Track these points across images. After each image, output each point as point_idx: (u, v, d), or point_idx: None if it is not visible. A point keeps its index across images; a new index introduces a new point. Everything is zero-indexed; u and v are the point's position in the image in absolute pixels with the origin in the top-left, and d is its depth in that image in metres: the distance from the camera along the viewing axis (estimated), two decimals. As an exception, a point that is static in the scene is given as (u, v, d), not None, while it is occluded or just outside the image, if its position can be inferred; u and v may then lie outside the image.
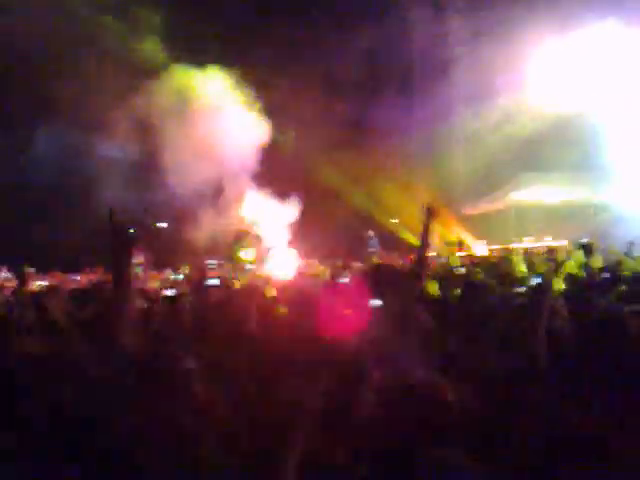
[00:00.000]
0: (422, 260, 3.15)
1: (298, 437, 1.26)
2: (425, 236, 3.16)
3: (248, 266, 6.04)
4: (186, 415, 2.06)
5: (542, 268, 5.78)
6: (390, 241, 13.42)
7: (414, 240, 12.68)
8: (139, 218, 11.66)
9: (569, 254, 6.62)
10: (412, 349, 2.56)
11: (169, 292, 6.28)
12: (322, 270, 5.89)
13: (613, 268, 5.15)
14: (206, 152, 14.07)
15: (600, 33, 14.76)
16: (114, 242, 2.35)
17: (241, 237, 12.13)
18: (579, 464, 1.61)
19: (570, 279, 4.81)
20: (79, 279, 9.50)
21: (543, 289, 2.43)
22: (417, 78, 16.38)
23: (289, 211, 15.00)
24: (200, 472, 1.82)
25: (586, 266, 4.82)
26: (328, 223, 13.73)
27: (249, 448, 1.90)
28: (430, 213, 3.19)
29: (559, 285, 4.61)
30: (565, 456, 1.64)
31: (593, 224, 13.29)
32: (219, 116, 14.68)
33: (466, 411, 1.88)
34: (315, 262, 10.65)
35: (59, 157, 13.36)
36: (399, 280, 3.86)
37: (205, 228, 14.24)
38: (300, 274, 7.36)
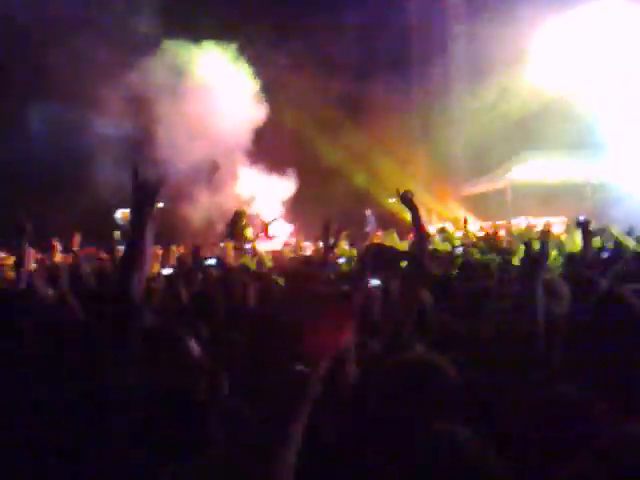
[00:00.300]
0: (421, 241, 3.13)
1: (300, 413, 1.24)
2: (416, 219, 3.12)
3: (247, 245, 6.00)
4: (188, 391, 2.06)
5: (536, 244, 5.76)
6: (389, 220, 13.36)
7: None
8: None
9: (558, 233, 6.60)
10: (411, 327, 2.56)
11: (165, 271, 6.25)
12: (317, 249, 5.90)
13: (613, 247, 5.14)
14: (201, 129, 13.94)
15: (600, 9, 14.58)
16: (135, 199, 2.31)
17: (239, 216, 12.06)
18: (575, 448, 1.61)
19: (569, 258, 4.81)
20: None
21: (535, 259, 2.40)
22: (416, 55, 16.20)
23: (285, 188, 14.94)
24: (204, 445, 1.83)
25: (584, 245, 4.79)
26: (325, 202, 13.68)
27: (252, 423, 1.88)
28: (404, 200, 3.14)
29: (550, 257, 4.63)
30: (562, 437, 1.64)
31: (591, 204, 13.29)
32: (214, 92, 14.52)
33: (465, 388, 1.88)
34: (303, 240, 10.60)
35: (51, 134, 13.20)
36: (398, 259, 3.85)
37: (202, 207, 14.19)
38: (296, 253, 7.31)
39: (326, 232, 3.24)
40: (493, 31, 13.98)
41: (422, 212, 3.18)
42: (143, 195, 2.32)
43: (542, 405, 1.70)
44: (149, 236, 2.30)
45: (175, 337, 2.32)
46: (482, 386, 2.00)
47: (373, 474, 1.67)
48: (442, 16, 16.45)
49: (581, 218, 4.97)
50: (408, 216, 3.11)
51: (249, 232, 12.31)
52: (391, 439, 1.72)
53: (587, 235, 4.75)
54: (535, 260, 2.41)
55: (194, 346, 2.32)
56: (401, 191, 3.13)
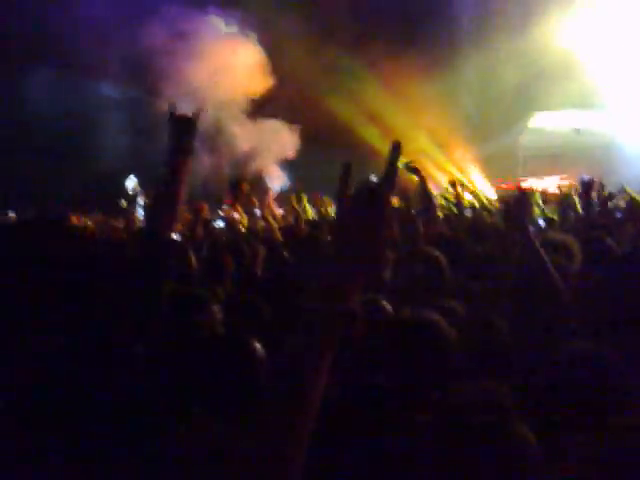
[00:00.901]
0: (429, 207, 3.15)
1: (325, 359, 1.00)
2: (423, 186, 3.13)
3: (257, 210, 5.95)
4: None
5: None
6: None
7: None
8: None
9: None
10: (423, 286, 2.56)
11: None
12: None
13: (626, 207, 5.08)
14: (204, 90, 13.71)
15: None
16: (173, 132, 2.17)
17: (240, 180, 11.94)
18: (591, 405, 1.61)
19: (578, 217, 4.77)
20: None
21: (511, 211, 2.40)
22: (424, 15, 15.74)
23: (288, 150, 14.76)
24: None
25: (585, 205, 4.71)
26: (329, 164, 13.54)
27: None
28: (395, 149, 3.12)
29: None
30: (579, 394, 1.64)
31: (602, 163, 13.10)
32: (217, 54, 14.24)
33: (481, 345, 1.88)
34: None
35: (56, 99, 13.06)
36: (404, 220, 3.84)
37: (204, 168, 14.07)
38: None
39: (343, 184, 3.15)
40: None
41: (431, 176, 3.20)
42: (181, 127, 2.16)
43: (559, 363, 1.69)
44: (184, 179, 2.17)
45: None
46: (498, 345, 2.00)
47: (386, 437, 1.65)
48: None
49: (585, 177, 4.92)
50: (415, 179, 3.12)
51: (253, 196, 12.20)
52: (400, 401, 1.71)
53: (589, 195, 4.70)
54: (512, 212, 2.42)
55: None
56: (405, 160, 3.16)
